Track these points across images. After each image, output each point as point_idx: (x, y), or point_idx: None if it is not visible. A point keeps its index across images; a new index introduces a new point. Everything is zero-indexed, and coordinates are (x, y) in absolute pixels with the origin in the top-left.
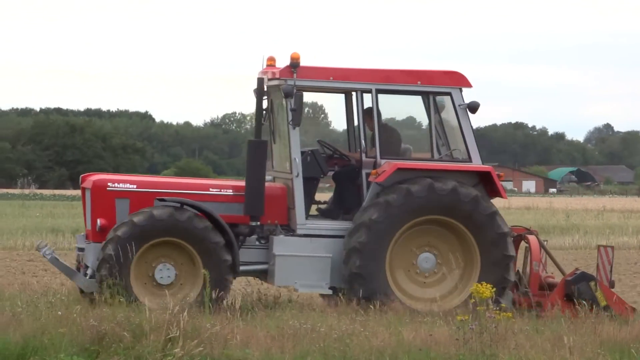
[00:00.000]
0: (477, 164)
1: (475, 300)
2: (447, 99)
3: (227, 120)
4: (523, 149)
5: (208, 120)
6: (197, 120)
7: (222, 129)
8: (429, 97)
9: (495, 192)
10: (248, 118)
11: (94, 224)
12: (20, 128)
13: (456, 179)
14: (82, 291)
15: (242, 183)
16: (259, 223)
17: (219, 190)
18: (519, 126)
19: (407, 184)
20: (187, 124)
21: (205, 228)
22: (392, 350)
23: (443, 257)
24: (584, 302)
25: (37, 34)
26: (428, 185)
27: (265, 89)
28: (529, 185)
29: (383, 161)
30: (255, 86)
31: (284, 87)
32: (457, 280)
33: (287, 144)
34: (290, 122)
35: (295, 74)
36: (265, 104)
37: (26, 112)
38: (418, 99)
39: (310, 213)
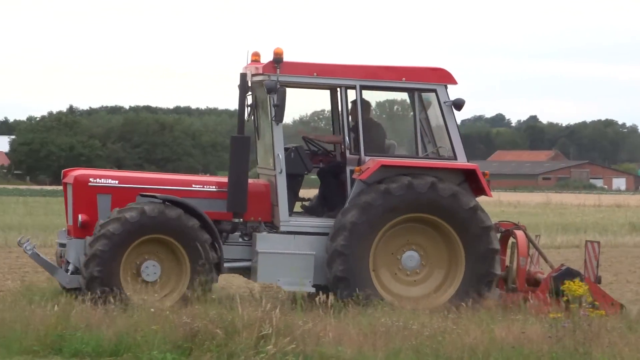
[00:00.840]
0: (462, 161)
1: (567, 298)
2: (432, 95)
3: (315, 118)
4: (613, 146)
5: (297, 117)
6: (286, 118)
7: (310, 127)
8: (414, 94)
9: (480, 190)
10: None
11: (76, 220)
12: (111, 126)
13: (439, 176)
14: (63, 287)
15: (213, 179)
16: (242, 220)
17: (201, 186)
18: (609, 123)
19: (386, 183)
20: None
21: (194, 226)
22: (484, 348)
23: (427, 254)
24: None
25: (126, 32)
26: (406, 183)
27: (250, 85)
28: (620, 182)
29: (367, 158)
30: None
31: (267, 83)
32: (443, 277)
33: (271, 140)
34: (273, 118)
35: (278, 70)
36: (250, 100)
37: (116, 110)
38: (404, 95)
39: (295, 210)
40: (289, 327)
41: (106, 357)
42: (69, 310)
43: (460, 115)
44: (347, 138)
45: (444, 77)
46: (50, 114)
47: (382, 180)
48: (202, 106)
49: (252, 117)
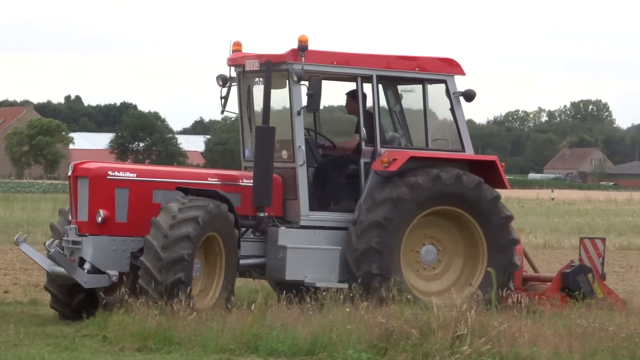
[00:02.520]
0: (469, 153)
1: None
2: (436, 87)
3: (510, 118)
4: None
5: (491, 117)
6: (480, 118)
7: (505, 127)
8: (424, 85)
9: (498, 182)
10: (531, 116)
11: (93, 215)
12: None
13: (459, 168)
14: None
15: (226, 172)
16: (266, 214)
17: (217, 180)
18: None
19: (413, 176)
20: (470, 121)
21: (232, 222)
22: None
23: (444, 248)
24: (582, 294)
25: (316, 31)
26: (434, 175)
27: (233, 75)
28: None
29: (383, 150)
30: (220, 72)
31: (297, 71)
32: (460, 271)
33: (289, 131)
34: (307, 108)
35: (303, 58)
36: (224, 91)
37: None
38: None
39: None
40: (484, 328)
41: (301, 356)
42: (265, 309)
43: None
44: (363, 129)
45: (454, 68)
46: None
47: (404, 172)
48: None
49: (239, 109)
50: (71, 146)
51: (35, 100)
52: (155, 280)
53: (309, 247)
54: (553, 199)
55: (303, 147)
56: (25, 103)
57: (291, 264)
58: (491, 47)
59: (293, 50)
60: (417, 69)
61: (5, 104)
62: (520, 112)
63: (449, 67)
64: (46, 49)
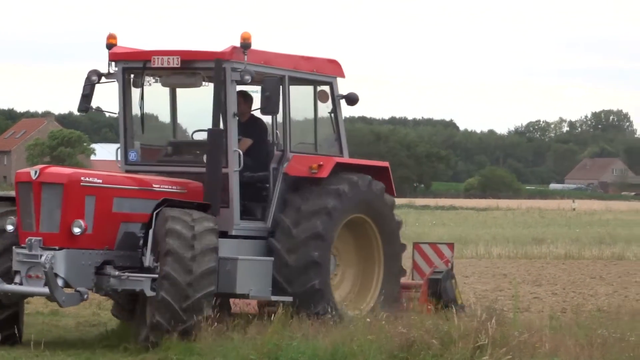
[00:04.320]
0: (346, 157)
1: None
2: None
3: (531, 129)
4: None
5: (512, 128)
6: (501, 129)
7: (526, 137)
8: (315, 86)
9: (389, 188)
10: (552, 126)
11: (67, 226)
12: None
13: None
14: None
15: (138, 177)
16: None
17: (135, 185)
18: None
19: (338, 185)
20: (491, 132)
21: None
22: None
23: (341, 257)
24: (446, 300)
25: (347, 44)
26: (354, 182)
27: (111, 71)
28: None
29: (291, 155)
30: (107, 69)
31: (249, 71)
32: (353, 279)
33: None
34: (263, 110)
35: (246, 56)
36: (89, 90)
37: None
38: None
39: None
40: (505, 338)
41: None
42: (286, 320)
43: None
44: (277, 132)
45: (338, 70)
46: None
47: (321, 180)
48: (418, 116)
49: (124, 108)
50: (92, 157)
51: (57, 111)
52: (178, 318)
53: (256, 258)
54: (574, 209)
55: (240, 152)
56: (47, 114)
57: (241, 277)
58: (513, 58)
59: (235, 48)
60: (314, 70)
61: (27, 115)
62: (541, 123)
63: (335, 69)
64: (68, 60)
